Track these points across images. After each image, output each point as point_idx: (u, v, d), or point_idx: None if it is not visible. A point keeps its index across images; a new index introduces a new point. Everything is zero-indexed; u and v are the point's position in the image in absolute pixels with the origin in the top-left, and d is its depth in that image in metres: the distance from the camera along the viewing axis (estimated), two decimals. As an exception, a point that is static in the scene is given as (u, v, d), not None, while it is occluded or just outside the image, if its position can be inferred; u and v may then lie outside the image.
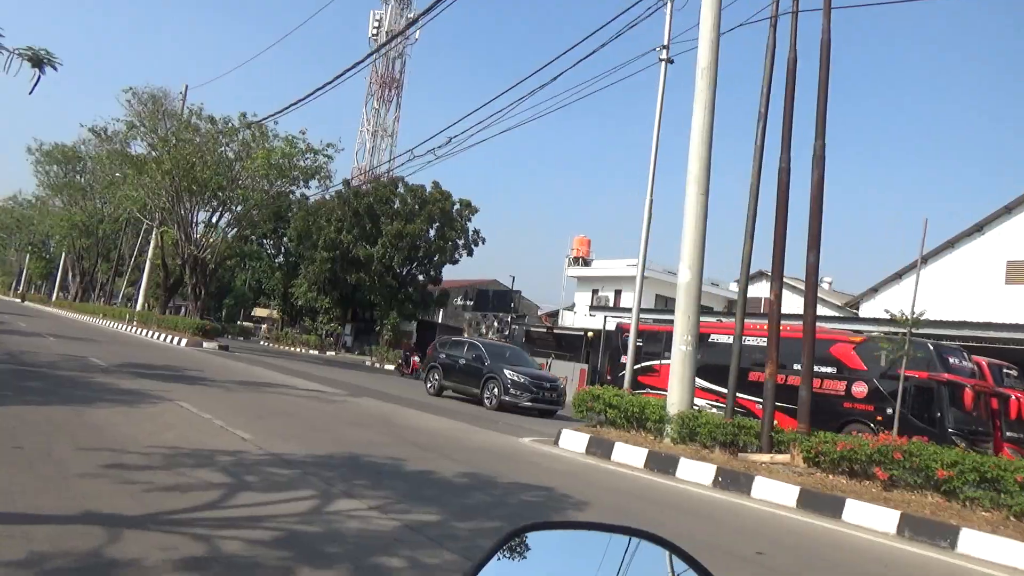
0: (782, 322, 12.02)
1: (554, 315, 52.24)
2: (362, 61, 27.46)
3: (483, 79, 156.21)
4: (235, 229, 30.79)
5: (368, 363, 43.29)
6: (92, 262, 55.59)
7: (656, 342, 29.99)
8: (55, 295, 68.47)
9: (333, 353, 48.34)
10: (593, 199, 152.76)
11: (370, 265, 43.20)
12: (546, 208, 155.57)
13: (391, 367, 42.36)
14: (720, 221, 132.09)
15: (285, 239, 57.65)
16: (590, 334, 42.46)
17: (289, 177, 29.14)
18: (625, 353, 30.81)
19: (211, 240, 30.29)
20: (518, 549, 1.22)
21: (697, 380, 25.42)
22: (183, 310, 70.45)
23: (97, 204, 52.87)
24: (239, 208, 29.73)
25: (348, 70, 20.00)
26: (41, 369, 13.20)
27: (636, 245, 17.96)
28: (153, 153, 28.60)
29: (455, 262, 43.87)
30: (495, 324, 49.50)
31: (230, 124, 28.07)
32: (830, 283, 49.77)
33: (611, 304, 47.94)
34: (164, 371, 15.94)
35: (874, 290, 47.80)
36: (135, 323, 37.27)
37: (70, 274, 59.89)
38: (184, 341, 29.20)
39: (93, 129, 32.15)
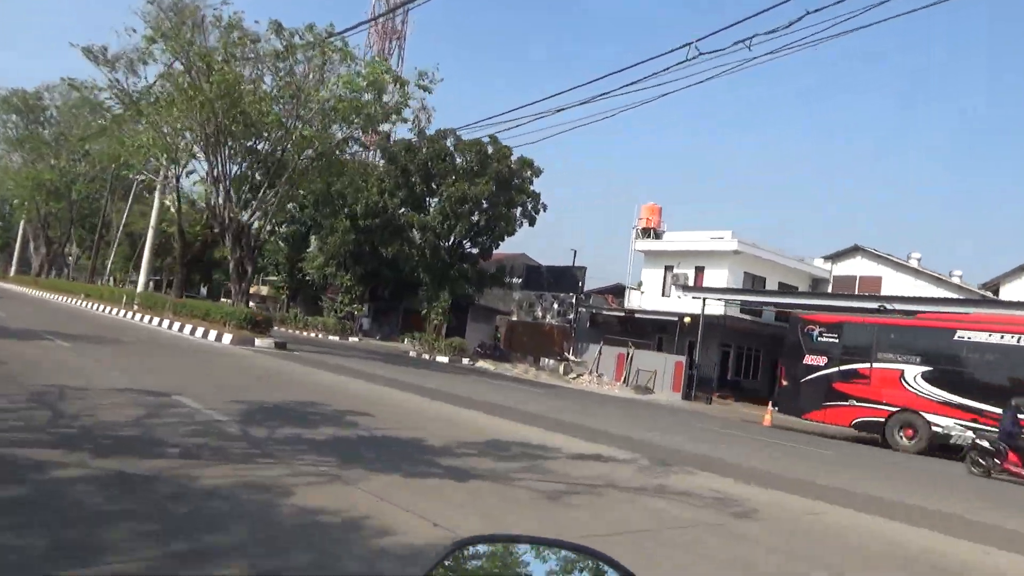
0: None
1: (619, 295, 45.22)
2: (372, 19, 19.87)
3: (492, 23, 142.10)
4: (289, 187, 22.84)
5: (412, 353, 35.92)
6: (63, 230, 46.53)
7: (862, 338, 23.40)
8: (12, 269, 58.66)
9: (357, 339, 40.66)
10: (657, 161, 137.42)
11: (422, 235, 35.45)
12: (596, 168, 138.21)
13: (444, 359, 35.08)
14: (797, 186, 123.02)
15: (290, 204, 49.19)
16: (687, 320, 35.62)
17: (364, 117, 21.33)
18: (811, 352, 24.24)
19: (265, 199, 22.34)
20: (461, 561, 1.21)
21: (936, 391, 18.18)
22: (163, 287, 61.44)
23: (67, 161, 43.77)
24: (300, 158, 21.81)
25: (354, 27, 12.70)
26: (131, 452, 5.78)
27: (713, 214, 10.68)
28: (187, 78, 20.49)
29: (511, 233, 36.40)
30: (554, 306, 42.35)
31: (296, 38, 20.04)
32: (960, 275, 43.83)
33: (690, 283, 41.13)
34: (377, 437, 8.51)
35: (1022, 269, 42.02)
36: (139, 308, 29.08)
37: (31, 244, 50.58)
38: (226, 337, 21.46)
39: (89, 50, 23.61)
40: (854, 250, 44.04)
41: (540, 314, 42.85)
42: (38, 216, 47.16)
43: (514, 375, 34.11)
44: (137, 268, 59.97)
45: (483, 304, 46.74)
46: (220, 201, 21.88)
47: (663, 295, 42.40)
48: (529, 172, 35.01)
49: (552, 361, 38.66)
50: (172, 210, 26.88)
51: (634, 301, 43.24)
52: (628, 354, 37.46)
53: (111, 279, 46.87)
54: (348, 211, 40.80)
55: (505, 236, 35.94)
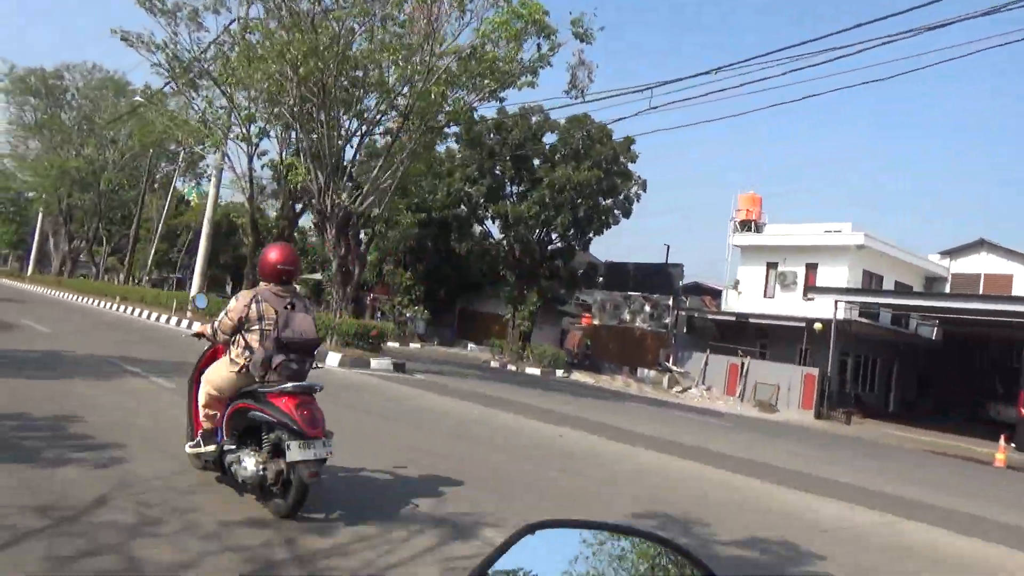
0: None
1: (715, 296, 40.35)
2: None
3: None
4: (411, 163, 17.98)
5: (495, 363, 31.22)
6: (89, 224, 41.71)
7: None
8: (30, 268, 53.69)
9: (418, 345, 35.90)
10: (754, 147, 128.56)
11: (507, 228, 30.62)
12: (682, 153, 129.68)
13: (535, 371, 30.33)
14: (902, 175, 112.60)
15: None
16: (819, 327, 30.79)
17: (499, 76, 16.48)
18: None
19: (379, 182, 17.47)
20: (530, 545, 1.19)
21: None
22: (187, 284, 56.73)
23: (95, 147, 38.90)
24: (423, 126, 16.92)
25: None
26: None
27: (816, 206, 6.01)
28: (280, 19, 15.69)
29: (610, 225, 31.56)
30: (645, 309, 37.52)
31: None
32: None
33: (798, 282, 36.33)
34: None
35: None
36: (194, 317, 24.31)
37: (51, 241, 45.65)
38: (332, 357, 16.83)
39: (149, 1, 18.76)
40: (978, 245, 39.20)
41: (628, 318, 38.03)
42: (59, 209, 42.32)
43: (616, 389, 29.37)
44: (164, 266, 55.08)
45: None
46: (321, 183, 17.04)
47: (765, 296, 37.61)
48: (628, 154, 30.15)
49: (651, 372, 33.87)
50: (236, 196, 22.07)
51: (731, 302, 38.40)
52: (743, 365, 32.70)
53: (142, 279, 41.97)
54: (416, 201, 35.97)
55: (604, 229, 31.04)
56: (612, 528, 1.29)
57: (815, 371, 30.63)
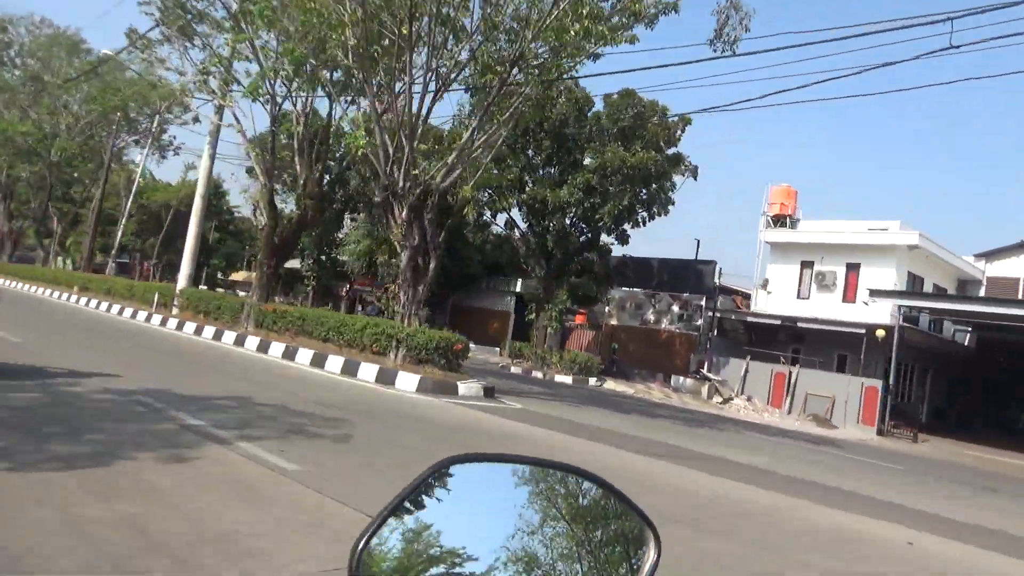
0: None
1: (746, 296, 37.28)
2: None
3: None
4: (512, 127, 13.91)
5: (516, 369, 27.52)
6: (39, 201, 35.93)
7: None
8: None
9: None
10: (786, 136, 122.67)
11: (540, 217, 26.87)
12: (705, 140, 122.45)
13: (566, 378, 26.70)
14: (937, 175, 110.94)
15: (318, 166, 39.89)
16: (881, 333, 27.87)
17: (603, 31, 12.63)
18: None
19: (469, 149, 13.40)
20: (443, 482, 1.11)
21: None
22: (136, 272, 51.09)
23: (48, 111, 33.34)
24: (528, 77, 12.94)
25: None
26: None
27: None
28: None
29: (658, 214, 28.04)
30: (673, 309, 34.16)
31: None
32: None
33: (838, 283, 33.51)
34: None
35: None
36: (184, 314, 20.00)
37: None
38: (404, 379, 12.84)
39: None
40: (1019, 247, 37.07)
41: (652, 318, 34.62)
42: None
43: (660, 400, 25.97)
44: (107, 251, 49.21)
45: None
46: (390, 151, 12.93)
47: (799, 297, 34.70)
48: (680, 134, 26.63)
49: (687, 380, 30.55)
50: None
51: (760, 303, 35.36)
52: (790, 374, 29.65)
53: (114, 266, 36.47)
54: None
55: (647, 221, 27.49)
56: (534, 462, 1.20)
57: (877, 383, 27.71)
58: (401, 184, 13.12)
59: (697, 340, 32.92)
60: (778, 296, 34.75)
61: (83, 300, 25.60)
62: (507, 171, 26.85)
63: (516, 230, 29.63)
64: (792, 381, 29.33)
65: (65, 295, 26.71)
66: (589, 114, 26.61)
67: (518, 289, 36.21)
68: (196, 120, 20.73)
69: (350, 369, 14.06)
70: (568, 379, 27.04)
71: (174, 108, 28.97)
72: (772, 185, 35.74)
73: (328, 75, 13.85)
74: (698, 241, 42.26)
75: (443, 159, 13.37)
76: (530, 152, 27.12)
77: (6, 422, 6.08)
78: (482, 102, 13.21)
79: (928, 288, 34.72)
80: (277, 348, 16.11)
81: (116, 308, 23.34)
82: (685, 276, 34.21)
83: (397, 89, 12.78)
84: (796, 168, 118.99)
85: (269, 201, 17.37)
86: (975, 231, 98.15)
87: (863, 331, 29.43)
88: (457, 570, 1.06)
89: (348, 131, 13.41)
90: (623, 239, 28.57)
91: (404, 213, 13.29)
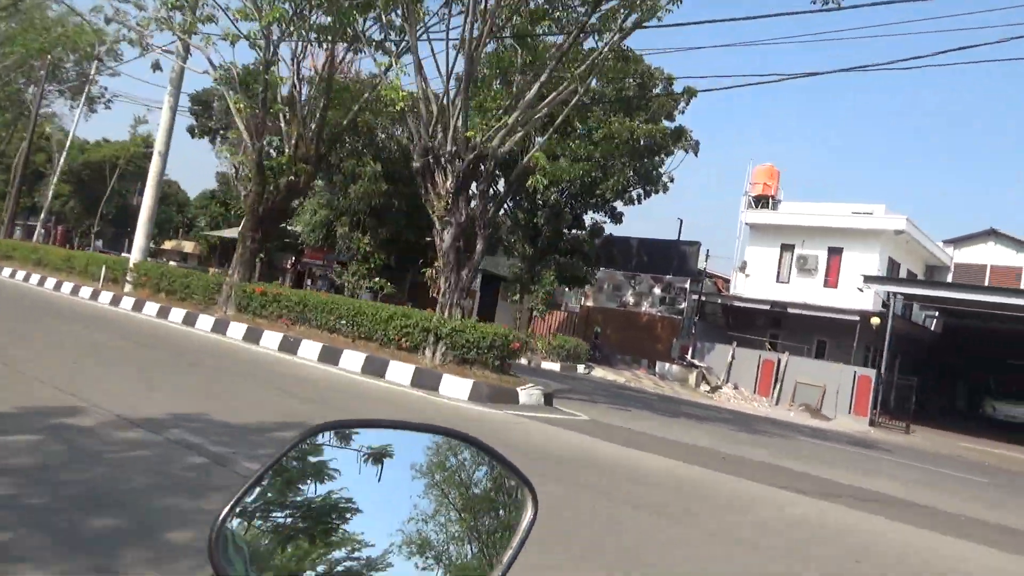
0: None
1: (725, 280, 36.16)
2: None
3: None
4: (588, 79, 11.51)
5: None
6: None
7: None
8: None
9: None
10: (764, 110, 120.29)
11: (546, 191, 24.74)
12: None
13: (553, 365, 24.81)
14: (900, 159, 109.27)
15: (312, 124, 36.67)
16: (875, 321, 27.03)
17: None
18: None
19: (531, 106, 11.05)
20: (314, 450, 1.08)
21: None
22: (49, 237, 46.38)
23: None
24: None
25: None
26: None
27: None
28: None
29: (650, 194, 26.30)
30: (655, 292, 32.69)
31: None
32: None
33: (819, 267, 32.72)
34: None
35: None
36: (142, 292, 17.18)
37: None
38: (451, 384, 10.69)
39: None
40: (987, 235, 37.16)
41: (631, 300, 33.08)
42: None
43: (657, 392, 24.47)
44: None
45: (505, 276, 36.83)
46: (434, 109, 10.50)
47: (778, 280, 33.81)
48: (685, 105, 24.84)
49: (673, 367, 29.17)
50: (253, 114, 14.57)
51: (739, 287, 34.30)
52: (779, 362, 28.62)
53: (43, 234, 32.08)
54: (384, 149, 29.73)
55: (645, 196, 25.71)
56: (407, 426, 1.17)
57: (870, 372, 26.95)
58: (448, 147, 10.77)
59: (680, 324, 31.58)
60: (757, 280, 33.73)
61: (6, 271, 22.05)
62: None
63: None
64: (781, 369, 28.32)
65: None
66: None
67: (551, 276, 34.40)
68: (158, 67, 17.52)
69: (375, 368, 11.71)
70: (556, 366, 25.18)
71: (115, 51, 25.31)
72: (755, 165, 34.59)
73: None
74: (681, 221, 40.88)
75: (498, 119, 11.03)
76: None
77: (21, 501, 3.68)
78: (542, 53, 10.92)
79: (903, 274, 34.40)
80: (272, 339, 13.55)
81: (51, 282, 20.02)
82: (668, 257, 32.71)
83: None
84: (778, 147, 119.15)
85: (258, 163, 14.55)
86: (938, 217, 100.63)
87: (853, 318, 28.66)
88: (356, 554, 1.02)
89: (381, 77, 10.82)
90: (616, 217, 26.71)
91: (450, 182, 10.96)
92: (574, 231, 26.99)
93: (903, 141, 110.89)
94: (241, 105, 14.31)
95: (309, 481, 1.07)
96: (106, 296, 17.87)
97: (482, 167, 11.06)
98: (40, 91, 25.54)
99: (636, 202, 26.03)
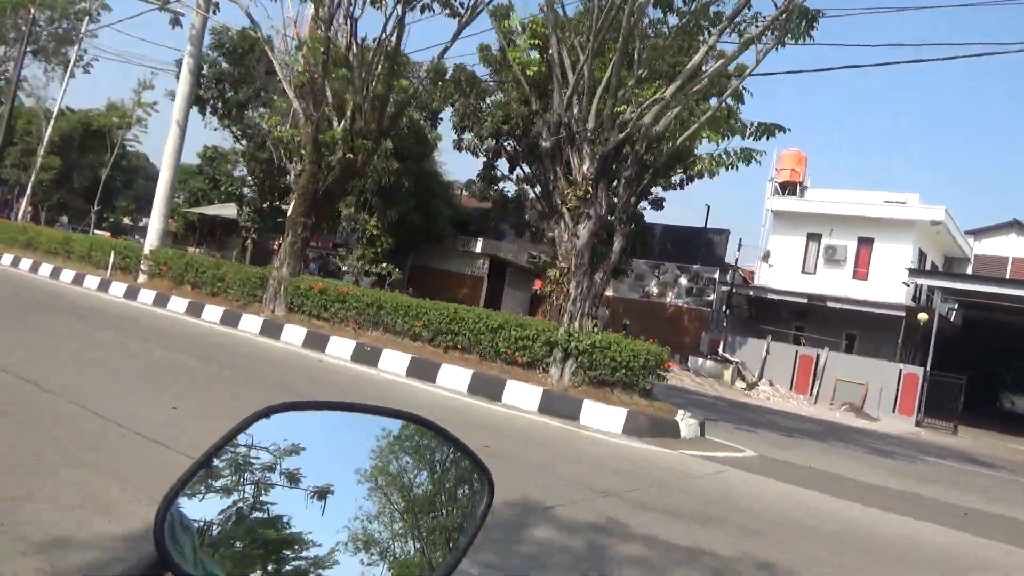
0: None
1: (750, 270, 34.72)
2: None
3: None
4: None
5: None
6: None
7: None
8: None
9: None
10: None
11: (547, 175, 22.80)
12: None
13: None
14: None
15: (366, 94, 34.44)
16: (923, 317, 25.78)
17: None
18: None
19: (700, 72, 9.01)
20: (265, 430, 1.05)
21: None
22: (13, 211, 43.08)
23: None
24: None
25: None
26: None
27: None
28: None
29: (691, 179, 24.44)
30: (681, 282, 31.08)
31: None
32: None
33: (848, 258, 31.47)
34: None
35: None
36: (166, 286, 14.94)
37: None
38: (598, 413, 8.75)
39: None
40: (1009, 225, 36.28)
41: (656, 291, 31.43)
42: None
43: (694, 389, 22.89)
44: None
45: (517, 262, 35.21)
46: (570, 74, 8.42)
47: (803, 271, 32.49)
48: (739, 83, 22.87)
49: (707, 363, 27.62)
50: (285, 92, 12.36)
51: (762, 278, 32.90)
52: (818, 358, 27.25)
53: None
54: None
55: (688, 181, 23.85)
56: (358, 408, 1.14)
57: (917, 370, 25.74)
58: (590, 124, 8.77)
59: (709, 316, 30.04)
60: (781, 270, 32.35)
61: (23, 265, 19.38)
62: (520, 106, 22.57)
63: (529, 185, 25.30)
64: (821, 365, 26.98)
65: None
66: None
67: (478, 249, 32.51)
68: (177, 23, 15.08)
69: (486, 388, 9.76)
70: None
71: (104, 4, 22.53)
72: (782, 150, 33.04)
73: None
74: (708, 207, 38.84)
75: (651, 91, 9.02)
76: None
77: None
78: (701, 13, 8.96)
79: (928, 265, 33.36)
80: (341, 347, 11.47)
81: (46, 269, 17.51)
82: (694, 246, 31.07)
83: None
84: (806, 132, 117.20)
85: (314, 139, 12.31)
86: (958, 208, 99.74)
87: (896, 313, 27.44)
88: (304, 554, 1.02)
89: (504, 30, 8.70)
90: (656, 203, 24.90)
91: (587, 166, 8.98)
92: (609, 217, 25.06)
93: (927, 129, 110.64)
94: (299, 66, 12.02)
95: (258, 465, 1.03)
96: (118, 288, 15.50)
97: (634, 150, 9.06)
98: (22, 51, 22.54)
99: (679, 187, 24.16)
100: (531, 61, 8.55)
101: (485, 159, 25.25)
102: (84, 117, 43.03)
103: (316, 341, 11.86)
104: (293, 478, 1.03)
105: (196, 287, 14.84)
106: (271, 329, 12.55)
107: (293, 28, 12.68)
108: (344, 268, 38.15)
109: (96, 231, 40.56)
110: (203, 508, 1.00)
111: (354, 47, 12.92)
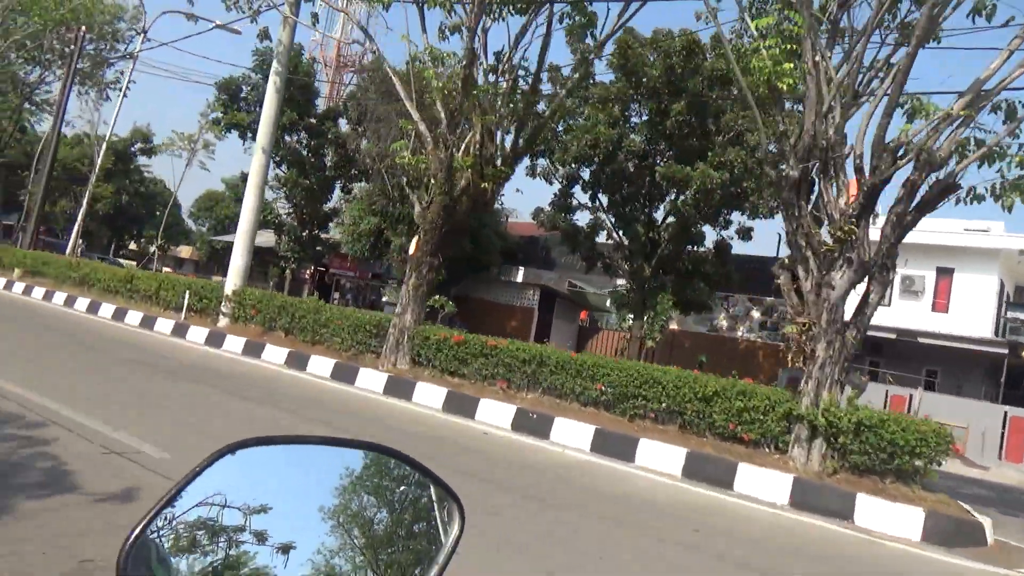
0: None
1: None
2: None
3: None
4: None
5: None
6: None
7: None
8: None
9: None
10: None
11: (681, 205, 21.40)
12: None
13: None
14: None
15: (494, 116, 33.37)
16: (1028, 355, 23.98)
17: None
18: None
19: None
20: (230, 468, 1.07)
21: None
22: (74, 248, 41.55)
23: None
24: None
25: None
26: None
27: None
28: None
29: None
30: (753, 315, 29.32)
31: None
32: None
33: (925, 289, 29.74)
34: None
35: None
36: (231, 325, 13.06)
37: None
38: (894, 517, 6.84)
39: None
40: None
41: (724, 324, 29.64)
42: None
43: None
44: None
45: (565, 291, 33.87)
46: (825, 90, 6.71)
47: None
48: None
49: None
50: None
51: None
52: (912, 398, 25.37)
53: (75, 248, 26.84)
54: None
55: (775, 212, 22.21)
56: (323, 441, 1.17)
57: (1020, 412, 23.84)
58: (857, 150, 7.03)
59: (785, 352, 28.19)
60: (851, 301, 30.56)
61: (37, 292, 17.57)
62: (636, 135, 21.14)
63: (605, 214, 23.60)
64: (915, 406, 25.09)
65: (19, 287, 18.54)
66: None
67: (520, 278, 31.07)
68: (265, 36, 13.45)
69: (708, 471, 7.93)
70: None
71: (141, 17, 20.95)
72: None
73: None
74: (779, 236, 36.77)
75: (932, 107, 7.30)
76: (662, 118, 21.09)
77: None
78: None
79: (1008, 298, 31.63)
80: (494, 412, 9.63)
81: (106, 309, 15.67)
82: (765, 276, 29.23)
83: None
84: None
85: (448, 167, 10.55)
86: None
87: (999, 350, 25.63)
88: None
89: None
90: (744, 233, 23.23)
91: (845, 201, 7.24)
92: (694, 247, 23.43)
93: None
94: (439, 83, 10.30)
95: (225, 501, 1.05)
96: (197, 333, 13.65)
97: (926, 185, 7.31)
98: (70, 70, 20.68)
99: (770, 215, 22.50)
100: (782, 71, 6.81)
101: (561, 185, 23.60)
102: (111, 143, 41.41)
103: (460, 404, 10.02)
104: (260, 536, 1.04)
105: (289, 333, 13.02)
106: (399, 388, 10.70)
107: (423, 40, 10.95)
108: (385, 298, 36.35)
109: (120, 260, 38.81)
110: (174, 542, 1.00)
111: (484, 62, 11.24)
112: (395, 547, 1.17)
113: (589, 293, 36.51)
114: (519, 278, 32.87)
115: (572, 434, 8.97)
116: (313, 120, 33.50)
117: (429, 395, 10.39)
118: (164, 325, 14.33)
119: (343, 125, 33.33)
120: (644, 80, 20.33)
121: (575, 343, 33.37)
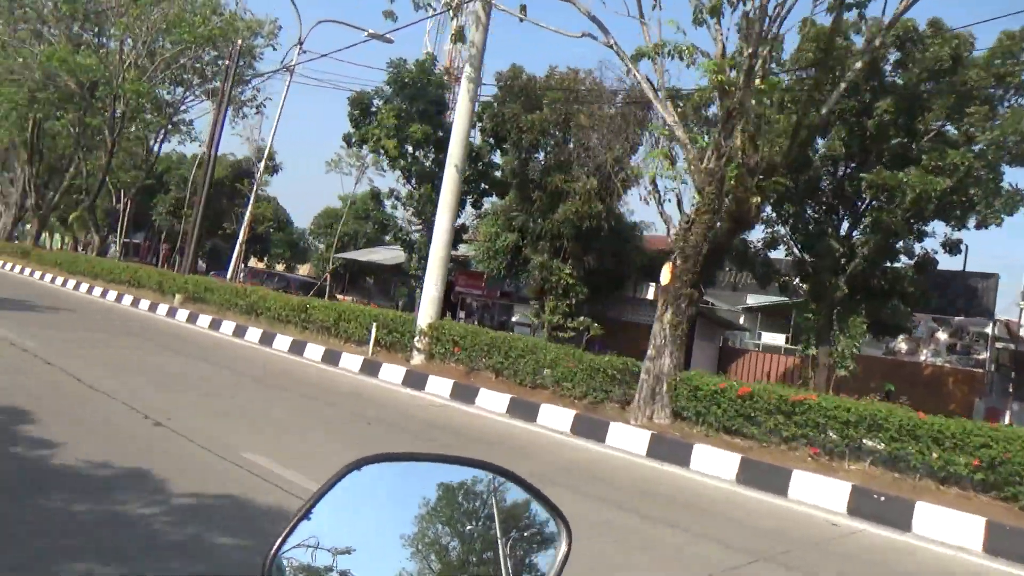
0: None
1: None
2: None
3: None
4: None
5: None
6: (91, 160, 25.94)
7: None
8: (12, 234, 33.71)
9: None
10: None
11: (880, 213, 18.85)
12: None
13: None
14: None
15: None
16: None
17: None
18: None
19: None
20: (357, 483, 1.14)
21: None
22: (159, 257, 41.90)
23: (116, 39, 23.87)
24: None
25: None
26: None
27: None
28: None
29: (1001, 219, 19.70)
30: (939, 337, 26.16)
31: None
32: None
33: None
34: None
35: None
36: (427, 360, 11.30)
37: (27, 192, 28.83)
38: None
39: None
40: None
41: (903, 347, 26.57)
42: (29, 139, 26.52)
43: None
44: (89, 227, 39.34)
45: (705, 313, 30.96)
46: None
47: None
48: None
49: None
50: None
51: (1024, 328, 27.56)
52: None
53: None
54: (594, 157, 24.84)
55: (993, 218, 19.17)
56: (445, 459, 1.22)
57: None
58: None
59: (983, 379, 24.94)
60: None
61: (203, 320, 16.60)
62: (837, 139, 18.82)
63: (784, 227, 21.16)
64: None
65: (115, 296, 17.66)
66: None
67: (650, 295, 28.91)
68: (460, 37, 11.93)
69: None
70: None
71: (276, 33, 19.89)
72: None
73: None
74: (966, 247, 32.34)
75: None
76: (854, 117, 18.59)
77: None
78: None
79: None
80: (817, 490, 7.56)
81: (282, 342, 14.44)
82: (952, 293, 26.11)
83: None
84: None
85: (721, 179, 8.60)
86: None
87: None
88: None
89: None
90: (951, 247, 20.40)
91: None
92: (891, 264, 20.71)
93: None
94: (722, 77, 8.39)
95: (354, 516, 1.13)
96: (391, 372, 12.13)
97: None
98: (228, 88, 19.99)
99: (983, 226, 19.58)
100: None
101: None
102: (234, 162, 41.58)
103: (762, 477, 7.99)
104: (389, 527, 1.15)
105: (499, 373, 11.34)
106: (667, 450, 8.78)
107: (657, 29, 9.04)
108: (516, 319, 34.49)
109: (216, 274, 38.60)
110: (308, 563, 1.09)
111: (748, 54, 9.22)
112: (467, 572, 1.19)
113: (722, 310, 33.87)
114: (650, 295, 30.76)
115: (950, 529, 6.81)
116: (441, 134, 32.34)
117: (714, 462, 8.42)
118: (350, 361, 12.93)
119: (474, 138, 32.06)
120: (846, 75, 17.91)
121: (714, 365, 30.86)
